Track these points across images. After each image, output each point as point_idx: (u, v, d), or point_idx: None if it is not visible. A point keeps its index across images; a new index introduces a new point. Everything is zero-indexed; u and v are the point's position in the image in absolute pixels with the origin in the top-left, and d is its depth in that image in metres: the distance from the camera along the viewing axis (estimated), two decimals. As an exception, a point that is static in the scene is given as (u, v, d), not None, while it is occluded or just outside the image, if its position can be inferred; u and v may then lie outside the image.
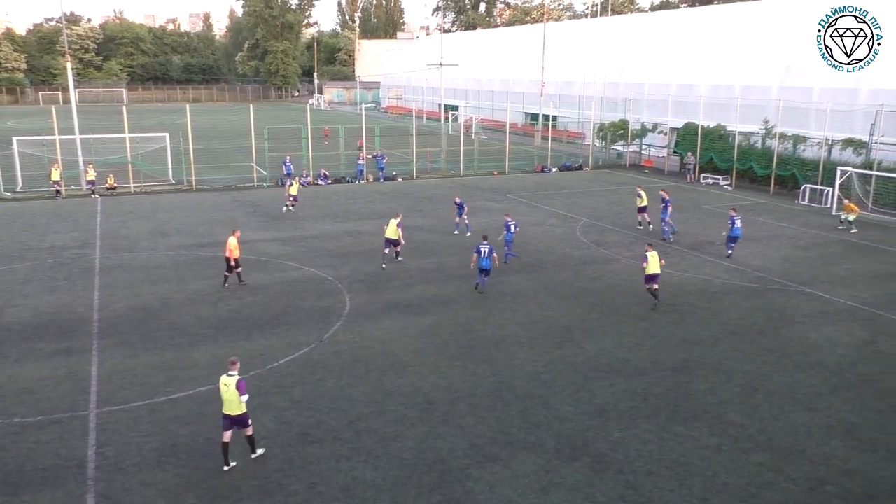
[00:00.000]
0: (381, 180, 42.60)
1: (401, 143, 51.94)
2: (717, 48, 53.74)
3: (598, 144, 54.98)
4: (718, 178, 44.06)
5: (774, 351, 17.13)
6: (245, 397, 11.72)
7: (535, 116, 72.98)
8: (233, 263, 20.99)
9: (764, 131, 43.29)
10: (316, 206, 34.77)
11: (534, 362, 16.25)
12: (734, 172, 43.34)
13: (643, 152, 53.22)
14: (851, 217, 30.49)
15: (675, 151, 49.93)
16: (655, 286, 20.06)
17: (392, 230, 23.50)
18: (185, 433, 12.90)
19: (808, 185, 37.69)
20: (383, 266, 23.42)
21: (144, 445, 12.52)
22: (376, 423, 13.31)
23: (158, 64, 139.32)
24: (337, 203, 35.83)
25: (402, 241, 23.80)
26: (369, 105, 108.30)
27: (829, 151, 39.02)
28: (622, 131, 53.75)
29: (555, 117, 65.07)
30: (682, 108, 50.12)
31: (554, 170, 49.12)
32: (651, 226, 30.29)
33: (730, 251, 25.71)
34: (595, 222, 31.70)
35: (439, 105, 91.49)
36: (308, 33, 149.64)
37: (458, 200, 29.54)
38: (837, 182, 34.67)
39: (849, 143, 38.61)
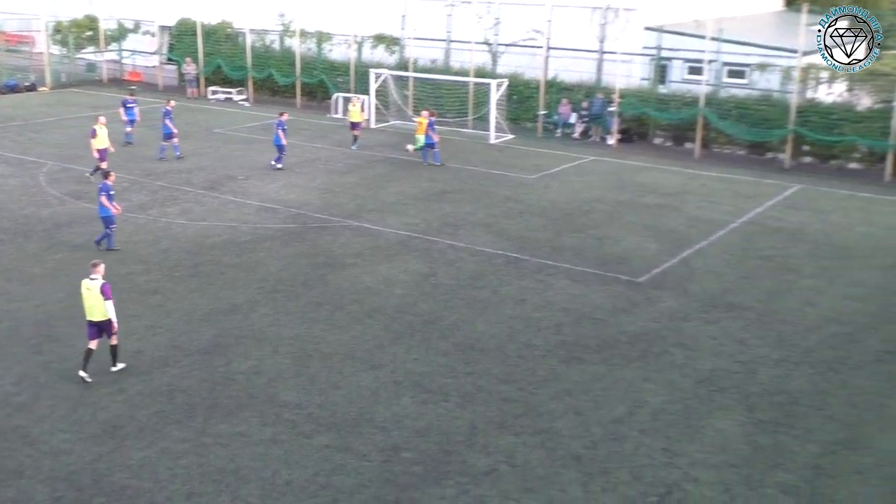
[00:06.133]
0: None
1: None
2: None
3: (57, 53, 51.90)
4: (231, 92, 45.63)
5: (325, 304, 18.72)
6: (110, 303, 14.83)
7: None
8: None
9: (282, 29, 46.02)
10: None
11: None
12: (251, 83, 45.33)
13: (126, 61, 52.24)
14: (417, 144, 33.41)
15: (169, 59, 50.02)
16: None
17: (356, 114, 34.27)
18: None
19: (341, 94, 41.49)
20: (354, 147, 33.86)
21: None
22: None
23: None
24: None
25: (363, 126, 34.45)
26: None
27: (359, 51, 43.38)
28: (91, 33, 51.71)
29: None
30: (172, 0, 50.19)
31: (-8, 93, 45.17)
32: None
33: (162, 154, 31.47)
34: (68, 166, 30.35)
35: None
36: None
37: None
38: (373, 87, 38.85)
39: (380, 39, 43.41)
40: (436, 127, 32.05)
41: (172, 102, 32.73)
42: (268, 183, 28.61)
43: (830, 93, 34.25)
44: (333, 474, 12.57)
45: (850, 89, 33.80)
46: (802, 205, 27.34)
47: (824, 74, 34.31)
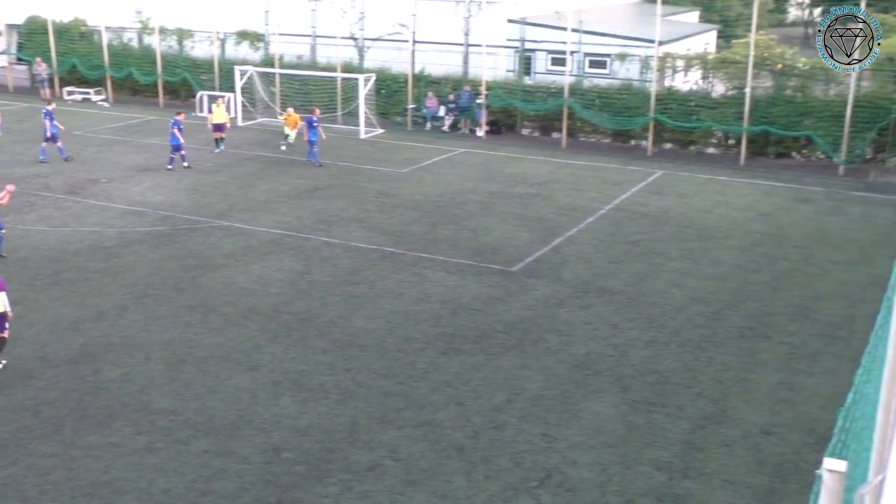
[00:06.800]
0: None
1: None
2: None
3: None
4: (89, 92, 44.08)
5: (198, 307, 18.28)
6: (2, 294, 15.01)
7: None
8: None
9: (140, 26, 44.65)
10: None
11: None
12: (109, 83, 43.85)
13: (-28, 62, 49.71)
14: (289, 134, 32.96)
15: (19, 59, 47.98)
16: None
17: (220, 114, 32.61)
18: None
19: (205, 92, 40.58)
20: (218, 151, 32.44)
21: None
22: None
23: None
24: None
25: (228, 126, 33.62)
26: None
27: (222, 48, 42.51)
28: (-69, 32, 48.97)
29: None
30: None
31: None
32: None
33: (63, 154, 30.69)
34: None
35: None
36: None
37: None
38: (239, 85, 38.16)
39: (244, 36, 42.68)
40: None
41: (53, 104, 31.83)
42: (132, 185, 27.73)
43: (687, 81, 35.61)
44: (213, 479, 12.30)
45: (704, 77, 35.22)
46: (665, 189, 28.32)
47: (680, 63, 35.66)
